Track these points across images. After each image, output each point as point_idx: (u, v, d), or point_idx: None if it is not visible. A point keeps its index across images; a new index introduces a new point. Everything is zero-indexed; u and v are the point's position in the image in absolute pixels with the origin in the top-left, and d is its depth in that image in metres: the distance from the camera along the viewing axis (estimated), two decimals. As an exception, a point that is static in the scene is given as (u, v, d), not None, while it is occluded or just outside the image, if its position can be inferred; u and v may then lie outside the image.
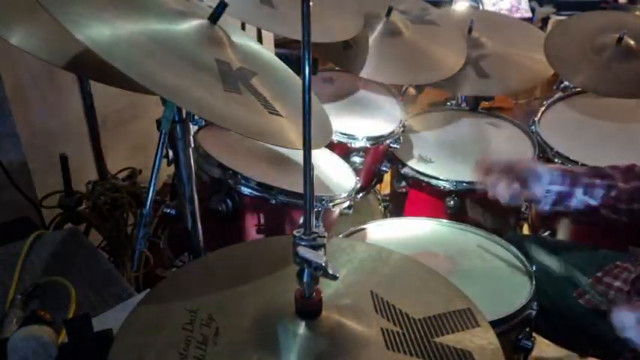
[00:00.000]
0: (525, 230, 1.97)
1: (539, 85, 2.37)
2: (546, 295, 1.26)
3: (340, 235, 1.32)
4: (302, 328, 0.71)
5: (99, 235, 1.63)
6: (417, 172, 1.71)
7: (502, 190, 1.27)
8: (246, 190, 1.28)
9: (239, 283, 0.81)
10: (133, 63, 0.76)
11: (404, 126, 1.77)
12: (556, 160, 1.71)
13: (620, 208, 1.25)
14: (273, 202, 1.28)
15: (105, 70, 0.74)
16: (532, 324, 1.16)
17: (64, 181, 1.56)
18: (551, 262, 1.30)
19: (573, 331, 1.32)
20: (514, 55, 1.99)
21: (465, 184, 1.65)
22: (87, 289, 1.12)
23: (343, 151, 1.64)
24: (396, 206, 1.88)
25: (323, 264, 0.67)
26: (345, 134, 1.64)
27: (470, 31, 1.98)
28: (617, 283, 1.26)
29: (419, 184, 1.71)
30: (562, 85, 1.97)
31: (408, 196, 1.77)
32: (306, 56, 0.63)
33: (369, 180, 1.81)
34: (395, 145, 1.73)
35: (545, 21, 3.52)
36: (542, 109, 1.88)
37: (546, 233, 1.84)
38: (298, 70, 0.73)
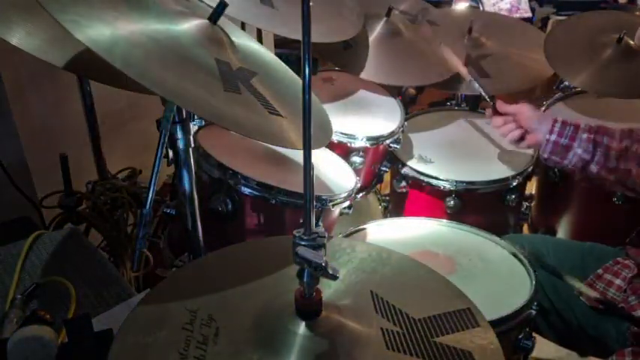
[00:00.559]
0: (525, 230, 1.97)
1: (539, 85, 2.37)
2: (546, 295, 1.26)
3: (340, 235, 1.32)
4: (302, 328, 0.71)
5: (99, 235, 1.63)
6: (417, 172, 1.71)
7: (505, 131, 1.46)
8: (246, 190, 1.28)
9: (239, 283, 0.81)
10: (133, 63, 0.76)
11: (404, 126, 1.77)
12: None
13: (609, 166, 1.27)
14: (273, 202, 1.28)
15: (105, 70, 0.74)
16: (532, 324, 1.16)
17: (64, 181, 1.56)
18: (552, 261, 1.30)
19: (573, 331, 1.33)
20: (514, 55, 1.99)
21: (465, 184, 1.65)
22: (87, 289, 1.12)
23: (343, 151, 1.63)
24: (396, 206, 1.88)
25: (323, 264, 0.67)
26: (345, 134, 1.64)
27: (470, 31, 1.98)
28: (617, 281, 1.26)
29: (419, 184, 1.71)
30: (562, 85, 1.97)
31: (408, 196, 1.77)
32: (306, 56, 0.63)
33: (369, 180, 1.81)
34: (395, 145, 1.73)
35: (545, 21, 3.52)
36: (542, 109, 1.88)
37: (546, 233, 1.85)
38: (298, 70, 0.73)
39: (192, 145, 1.00)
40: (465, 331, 0.74)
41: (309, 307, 0.72)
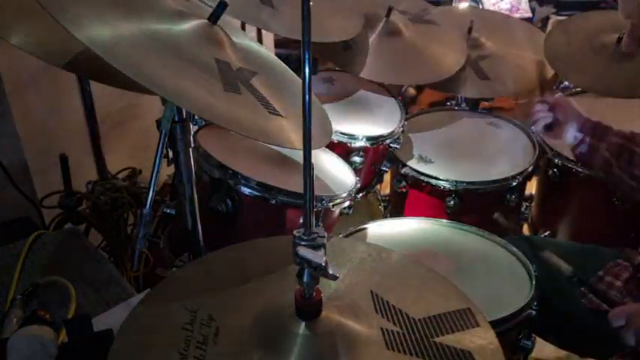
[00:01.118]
0: (525, 230, 1.97)
1: (539, 85, 2.37)
2: (546, 295, 1.26)
3: (340, 235, 1.33)
4: (302, 328, 0.71)
5: (99, 235, 1.63)
6: (417, 172, 1.71)
7: (537, 116, 1.44)
8: (246, 190, 1.28)
9: (239, 283, 0.81)
10: (133, 63, 0.76)
11: (404, 126, 1.77)
12: (556, 161, 1.72)
13: (634, 173, 1.30)
14: (273, 202, 1.28)
15: (105, 70, 0.74)
16: (532, 324, 1.16)
17: (64, 181, 1.56)
18: (552, 261, 1.30)
19: (573, 331, 1.32)
20: (514, 55, 1.99)
21: (465, 184, 1.65)
22: (87, 289, 1.12)
23: (343, 151, 1.64)
24: (396, 206, 1.88)
25: (323, 264, 0.67)
26: (345, 134, 1.64)
27: (470, 31, 1.98)
28: (618, 283, 1.26)
29: (419, 184, 1.71)
30: (562, 85, 1.97)
31: (408, 196, 1.77)
32: (306, 56, 0.63)
33: (369, 180, 1.81)
34: (395, 145, 1.73)
35: (545, 21, 3.52)
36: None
37: (546, 233, 1.85)
38: (298, 70, 0.73)
39: (192, 145, 1.00)
40: (465, 331, 0.74)
41: (309, 307, 0.72)
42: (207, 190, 1.30)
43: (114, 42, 0.77)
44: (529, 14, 3.48)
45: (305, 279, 0.69)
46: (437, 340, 0.73)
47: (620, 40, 1.74)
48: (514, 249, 1.31)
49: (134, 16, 0.86)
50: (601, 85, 1.75)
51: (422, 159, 1.77)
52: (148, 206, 0.91)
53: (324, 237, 0.69)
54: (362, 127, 1.70)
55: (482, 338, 0.74)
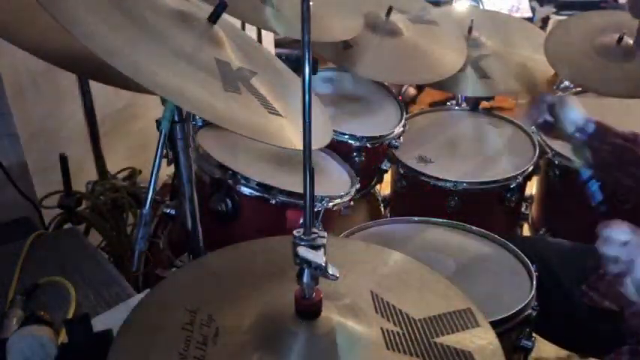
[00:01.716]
0: (525, 230, 1.97)
1: (539, 85, 2.37)
2: (546, 295, 1.26)
3: (340, 235, 1.32)
4: (302, 328, 0.71)
5: (99, 235, 1.62)
6: (417, 172, 1.71)
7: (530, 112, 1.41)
8: (246, 190, 1.28)
9: (239, 283, 0.81)
10: (133, 63, 0.76)
11: (404, 126, 1.76)
12: (556, 161, 1.72)
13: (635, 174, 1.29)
14: (273, 202, 1.28)
15: (105, 70, 0.74)
16: (532, 324, 1.16)
17: (64, 181, 1.56)
18: (552, 261, 1.30)
19: (573, 331, 1.32)
20: (514, 55, 1.99)
21: (465, 184, 1.65)
22: (87, 289, 1.12)
23: (343, 151, 1.64)
24: (395, 206, 1.88)
25: (323, 264, 0.67)
26: (345, 134, 1.64)
27: (470, 31, 1.98)
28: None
29: (419, 184, 1.71)
30: (562, 85, 1.97)
31: (408, 196, 1.77)
32: (306, 56, 0.63)
33: (369, 180, 1.81)
34: (395, 145, 1.73)
35: (545, 21, 3.53)
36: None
37: (546, 233, 1.85)
38: (298, 70, 0.73)
39: (192, 145, 1.00)
40: (465, 331, 0.74)
41: (309, 308, 0.72)
42: (207, 190, 1.30)
43: (113, 42, 0.77)
44: (529, 14, 3.49)
45: (305, 279, 0.69)
46: (437, 340, 0.72)
47: (620, 40, 1.74)
48: (514, 249, 1.31)
49: (134, 16, 0.86)
50: (601, 85, 1.75)
51: (422, 159, 1.77)
52: (147, 206, 0.91)
53: (324, 237, 0.69)
54: (362, 127, 1.70)
55: (482, 338, 0.74)
